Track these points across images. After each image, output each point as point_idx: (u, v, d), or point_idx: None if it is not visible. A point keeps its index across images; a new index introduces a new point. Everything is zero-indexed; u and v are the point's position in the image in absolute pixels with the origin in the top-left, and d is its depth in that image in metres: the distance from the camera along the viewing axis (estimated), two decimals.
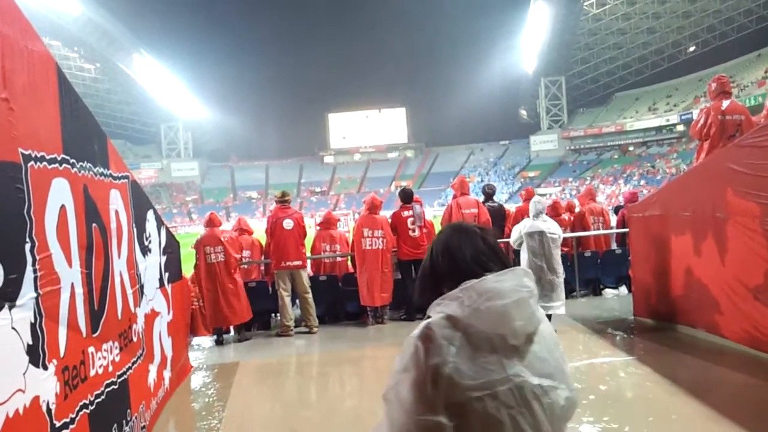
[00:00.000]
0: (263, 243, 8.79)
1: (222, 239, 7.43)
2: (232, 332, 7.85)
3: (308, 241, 8.26)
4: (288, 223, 7.70)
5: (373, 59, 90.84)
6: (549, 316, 6.53)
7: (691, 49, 65.95)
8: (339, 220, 9.90)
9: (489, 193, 9.26)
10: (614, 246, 9.59)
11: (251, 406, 5.43)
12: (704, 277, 5.75)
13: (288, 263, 7.64)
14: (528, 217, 6.72)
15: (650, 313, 7.00)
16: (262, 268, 8.93)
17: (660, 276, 6.63)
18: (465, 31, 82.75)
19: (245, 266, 8.39)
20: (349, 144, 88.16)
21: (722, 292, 5.43)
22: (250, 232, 8.92)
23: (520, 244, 6.60)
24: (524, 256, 6.56)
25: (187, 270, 7.02)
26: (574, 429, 3.94)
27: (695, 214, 5.81)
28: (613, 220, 10.13)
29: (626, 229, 8.02)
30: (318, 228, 9.02)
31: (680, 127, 60.04)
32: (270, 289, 8.23)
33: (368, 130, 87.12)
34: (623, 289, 8.85)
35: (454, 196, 8.50)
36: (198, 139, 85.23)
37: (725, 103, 6.70)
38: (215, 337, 7.61)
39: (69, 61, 65.89)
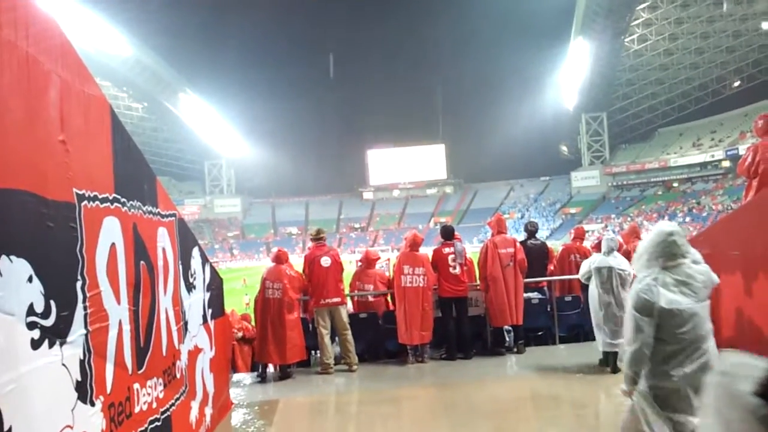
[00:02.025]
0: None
1: (284, 276, 7.51)
2: (271, 368, 7.86)
3: (347, 277, 8.25)
4: (326, 261, 7.74)
5: (412, 96, 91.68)
6: (615, 354, 6.44)
7: (736, 84, 64.97)
8: (379, 258, 9.85)
9: (532, 231, 9.11)
10: None
11: None
12: (756, 319, 5.55)
13: (327, 300, 7.65)
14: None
15: None
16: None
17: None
18: (505, 67, 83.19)
19: None
20: (388, 180, 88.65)
21: None
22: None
23: (588, 278, 6.72)
24: (593, 290, 6.66)
25: (230, 305, 7.08)
26: None
27: (745, 254, 5.64)
28: None
29: None
30: (359, 264, 9.01)
31: (726, 163, 58.83)
32: (310, 326, 8.24)
33: (407, 166, 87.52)
34: None
35: (492, 235, 8.41)
36: (240, 175, 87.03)
37: None
38: (256, 373, 7.63)
39: (118, 100, 68.25)
